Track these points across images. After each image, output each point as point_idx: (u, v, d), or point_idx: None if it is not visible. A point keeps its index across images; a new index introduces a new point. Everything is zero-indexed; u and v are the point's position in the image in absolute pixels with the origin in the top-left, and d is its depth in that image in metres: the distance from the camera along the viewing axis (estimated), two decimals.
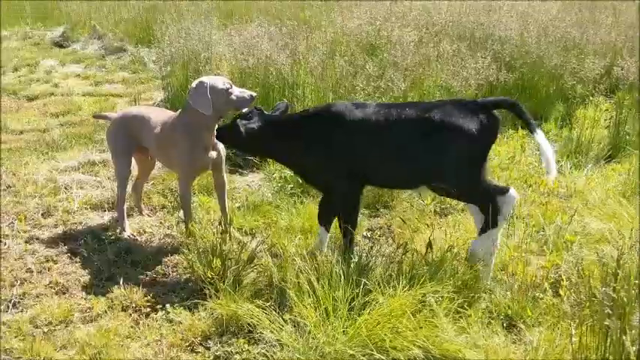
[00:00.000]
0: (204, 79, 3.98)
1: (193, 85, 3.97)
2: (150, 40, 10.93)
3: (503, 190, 3.48)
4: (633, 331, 2.09)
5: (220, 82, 3.93)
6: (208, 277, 3.46)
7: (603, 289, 2.21)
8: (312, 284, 3.04)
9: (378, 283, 3.06)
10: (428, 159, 3.35)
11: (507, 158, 5.60)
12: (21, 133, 6.60)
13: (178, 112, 4.15)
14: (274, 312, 3.04)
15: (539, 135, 3.34)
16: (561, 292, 3.27)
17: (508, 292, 3.34)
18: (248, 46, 6.61)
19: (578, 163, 5.68)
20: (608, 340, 2.17)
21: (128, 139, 4.35)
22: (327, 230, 3.81)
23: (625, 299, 2.15)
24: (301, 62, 6.38)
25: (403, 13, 9.35)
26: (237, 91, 3.93)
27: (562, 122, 6.88)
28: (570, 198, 4.95)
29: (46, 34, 11.92)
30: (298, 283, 3.12)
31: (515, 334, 3.08)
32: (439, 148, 3.32)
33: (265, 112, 3.80)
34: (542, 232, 4.17)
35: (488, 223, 3.44)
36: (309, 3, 11.76)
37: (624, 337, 2.05)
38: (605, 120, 6.49)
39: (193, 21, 8.60)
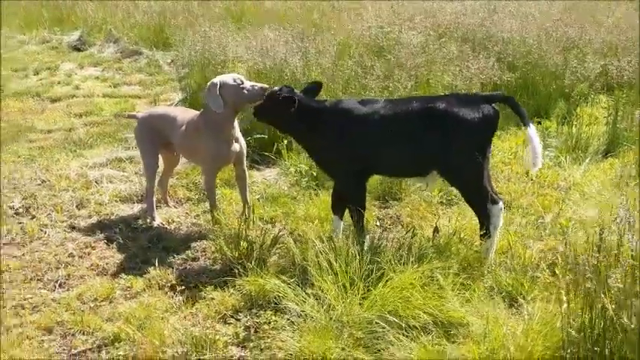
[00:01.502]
0: (216, 79, 4.34)
1: (207, 85, 4.33)
2: (164, 43, 11.32)
3: (495, 200, 3.83)
4: (612, 292, 2.43)
5: (230, 79, 4.28)
6: (236, 258, 3.83)
7: (584, 256, 2.54)
8: (331, 263, 3.39)
9: (390, 262, 3.40)
10: (435, 146, 3.70)
11: (510, 154, 5.93)
12: (49, 132, 6.98)
13: (201, 110, 4.51)
14: (297, 287, 3.39)
15: (531, 129, 3.69)
16: (557, 271, 3.62)
17: (509, 272, 3.67)
18: (264, 49, 6.96)
19: (577, 157, 5.98)
20: (590, 302, 2.50)
21: (155, 136, 4.71)
22: (341, 218, 4.15)
23: (604, 265, 2.48)
24: (312, 64, 6.73)
25: (409, 16, 9.71)
26: (248, 85, 4.25)
27: (563, 119, 7.18)
28: (569, 190, 5.27)
29: (63, 38, 12.28)
30: (318, 262, 3.46)
31: (516, 309, 3.41)
32: (444, 134, 3.66)
33: (295, 90, 4.11)
34: (540, 220, 4.50)
35: (486, 229, 3.80)
36: (317, 5, 12.14)
37: (603, 297, 2.40)
38: (605, 117, 6.82)
39: (209, 25, 8.99)
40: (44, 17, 13.19)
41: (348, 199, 4.03)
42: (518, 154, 5.87)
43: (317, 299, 3.31)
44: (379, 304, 3.15)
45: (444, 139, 3.67)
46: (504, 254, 3.93)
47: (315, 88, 4.16)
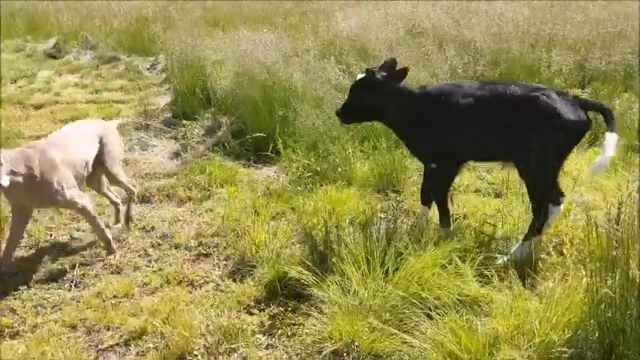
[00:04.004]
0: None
1: None
2: (142, 49, 11.28)
3: (559, 202, 3.86)
4: (636, 260, 2.56)
5: None
6: (252, 251, 3.88)
7: (609, 226, 2.67)
8: (351, 250, 3.47)
9: (406, 247, 3.49)
10: (526, 137, 3.58)
11: None
12: (37, 138, 6.89)
13: None
14: (319, 274, 3.46)
15: (613, 136, 3.61)
16: (564, 251, 3.77)
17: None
18: (248, 52, 6.98)
19: None
20: (617, 272, 2.63)
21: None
22: (429, 208, 4.17)
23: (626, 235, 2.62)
24: (298, 65, 6.80)
25: (384, 18, 9.86)
26: None
27: None
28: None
29: (37, 45, 12.15)
30: (338, 250, 3.55)
31: (528, 287, 3.51)
32: (537, 128, 3.56)
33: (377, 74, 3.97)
34: None
35: (534, 229, 3.77)
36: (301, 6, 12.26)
37: (630, 263, 2.53)
38: None
39: (190, 29, 9.01)
40: (17, 25, 13.01)
41: (437, 186, 4.02)
42: None
43: (339, 285, 3.38)
44: (402, 287, 3.23)
45: (532, 130, 3.55)
46: (508, 238, 4.05)
47: (391, 63, 3.99)
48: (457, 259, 3.38)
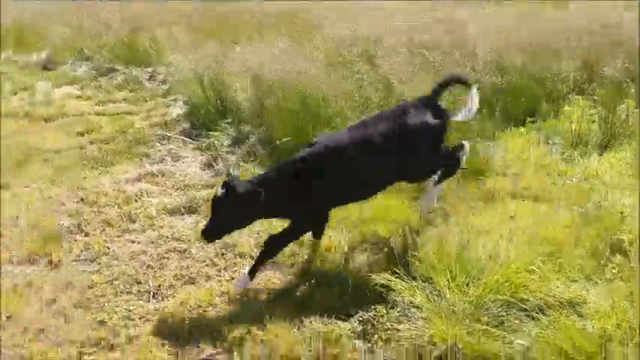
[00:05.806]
0: None
1: None
2: (139, 60, 11.19)
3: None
4: None
5: None
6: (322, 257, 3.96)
7: None
8: (434, 254, 3.58)
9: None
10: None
11: (521, 151, 6.29)
12: (57, 152, 6.81)
13: None
14: (405, 280, 3.55)
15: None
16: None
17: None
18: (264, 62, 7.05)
19: (582, 152, 6.39)
20: None
21: None
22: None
23: None
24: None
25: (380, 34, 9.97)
26: None
27: (549, 118, 7.60)
28: (586, 180, 5.59)
29: (29, 58, 11.95)
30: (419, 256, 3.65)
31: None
32: None
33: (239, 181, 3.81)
34: (581, 209, 4.76)
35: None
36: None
37: None
38: (592, 114, 7.31)
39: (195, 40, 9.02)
40: (4, 38, 12.78)
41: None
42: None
43: (424, 290, 3.48)
44: (492, 290, 3.34)
45: None
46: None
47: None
48: (540, 263, 3.52)
